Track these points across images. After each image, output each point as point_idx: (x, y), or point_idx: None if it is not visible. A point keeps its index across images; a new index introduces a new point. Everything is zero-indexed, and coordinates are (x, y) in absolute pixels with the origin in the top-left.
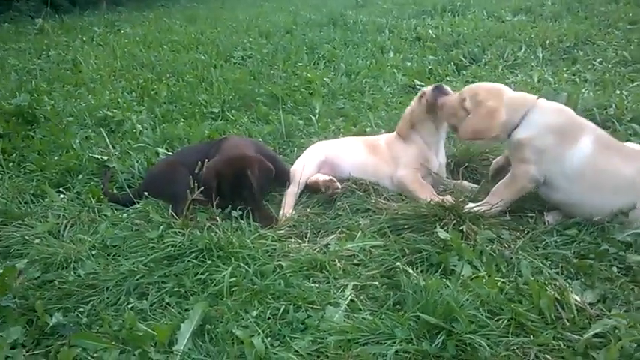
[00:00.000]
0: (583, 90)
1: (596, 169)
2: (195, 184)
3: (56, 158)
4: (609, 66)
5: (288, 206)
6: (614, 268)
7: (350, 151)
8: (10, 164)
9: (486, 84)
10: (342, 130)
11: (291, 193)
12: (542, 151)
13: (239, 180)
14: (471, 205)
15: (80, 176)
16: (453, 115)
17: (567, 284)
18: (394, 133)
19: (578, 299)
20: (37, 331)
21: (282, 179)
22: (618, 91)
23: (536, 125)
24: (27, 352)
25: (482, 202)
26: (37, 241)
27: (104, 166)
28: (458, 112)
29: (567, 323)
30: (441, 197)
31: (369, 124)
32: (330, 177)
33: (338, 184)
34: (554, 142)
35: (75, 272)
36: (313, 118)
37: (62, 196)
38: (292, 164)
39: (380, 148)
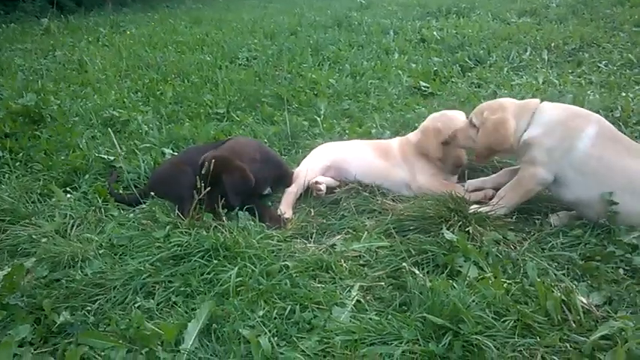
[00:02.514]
0: (588, 92)
1: (603, 159)
2: (202, 185)
3: (62, 158)
4: (615, 68)
5: (286, 204)
6: (621, 270)
7: (358, 154)
8: (17, 163)
9: (490, 101)
10: (347, 131)
11: (291, 192)
12: (551, 149)
13: (214, 180)
14: (475, 206)
15: (87, 176)
16: (468, 137)
17: (574, 286)
18: (406, 139)
19: (585, 301)
20: (44, 330)
21: (285, 182)
22: (624, 94)
23: (543, 123)
24: (34, 350)
25: (488, 203)
26: (44, 240)
27: (110, 166)
28: (470, 133)
29: (574, 325)
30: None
31: (374, 125)
32: (325, 179)
33: (321, 187)
34: (561, 136)
35: (82, 271)
36: (318, 119)
37: (69, 195)
38: (297, 165)
39: (391, 152)
